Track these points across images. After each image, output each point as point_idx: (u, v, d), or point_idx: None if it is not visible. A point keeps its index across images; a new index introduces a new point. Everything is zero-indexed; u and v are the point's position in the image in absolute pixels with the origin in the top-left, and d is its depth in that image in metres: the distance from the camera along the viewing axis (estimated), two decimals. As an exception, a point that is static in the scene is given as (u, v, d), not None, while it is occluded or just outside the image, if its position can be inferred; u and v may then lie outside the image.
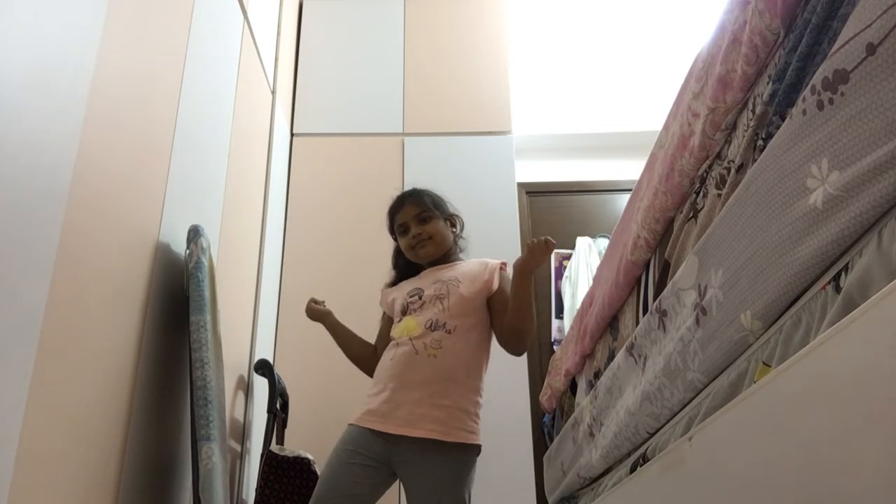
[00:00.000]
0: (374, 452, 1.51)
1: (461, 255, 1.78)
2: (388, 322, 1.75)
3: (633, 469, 1.41)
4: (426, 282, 1.68)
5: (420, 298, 1.64)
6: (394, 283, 1.80)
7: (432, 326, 1.58)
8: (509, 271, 1.68)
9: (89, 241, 1.22)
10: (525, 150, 3.42)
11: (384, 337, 1.73)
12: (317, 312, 1.78)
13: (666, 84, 2.13)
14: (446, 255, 1.74)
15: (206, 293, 1.60)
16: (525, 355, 2.65)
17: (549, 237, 1.54)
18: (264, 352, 2.49)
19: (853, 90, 0.74)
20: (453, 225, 1.78)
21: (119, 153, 1.35)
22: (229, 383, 1.94)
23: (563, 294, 3.19)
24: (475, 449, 1.55)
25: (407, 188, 1.83)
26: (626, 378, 1.50)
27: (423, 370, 1.53)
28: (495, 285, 1.65)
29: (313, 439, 2.37)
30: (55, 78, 1.11)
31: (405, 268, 1.79)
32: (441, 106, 3.13)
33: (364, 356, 1.74)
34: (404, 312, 1.65)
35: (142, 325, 1.43)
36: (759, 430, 0.83)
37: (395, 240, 1.80)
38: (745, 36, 1.09)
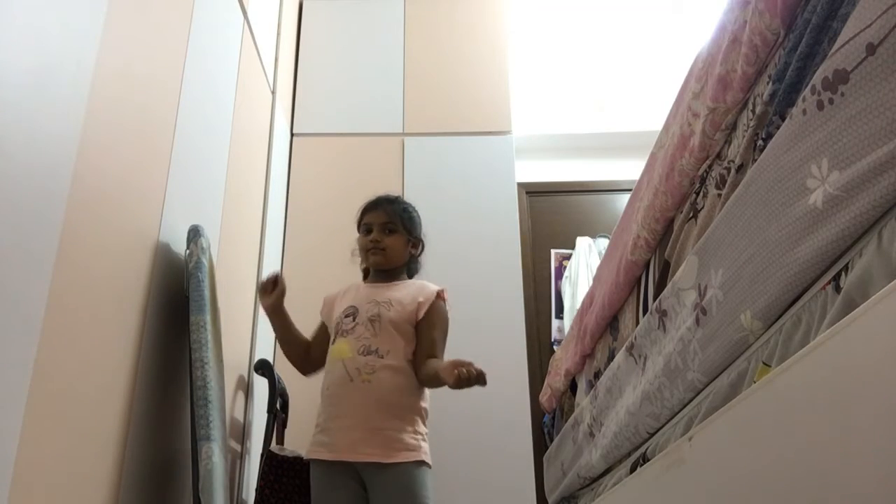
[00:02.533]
0: (339, 481, 1.56)
1: (406, 277, 1.79)
2: (322, 329, 1.77)
3: (633, 469, 1.41)
4: (362, 300, 1.69)
5: (354, 320, 1.65)
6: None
7: (364, 351, 1.59)
8: (449, 297, 1.71)
9: (89, 241, 1.22)
10: (525, 150, 3.41)
11: (316, 340, 1.77)
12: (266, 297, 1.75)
13: (666, 84, 2.13)
14: (393, 272, 1.75)
15: (206, 293, 1.60)
16: (525, 355, 2.66)
17: (481, 374, 1.44)
18: (264, 352, 2.49)
19: (853, 90, 0.74)
20: (414, 247, 1.80)
21: (119, 153, 1.35)
22: (229, 383, 1.94)
23: (563, 294, 3.20)
24: (421, 464, 1.55)
25: (386, 192, 1.86)
26: (626, 378, 1.50)
27: (357, 397, 1.56)
28: (421, 314, 1.65)
29: (313, 439, 2.37)
30: (55, 78, 1.11)
31: (365, 270, 1.83)
32: (441, 106, 3.13)
33: (296, 350, 1.76)
34: (337, 333, 1.67)
35: (142, 325, 1.43)
36: (759, 430, 0.83)
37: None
38: (745, 36, 1.09)
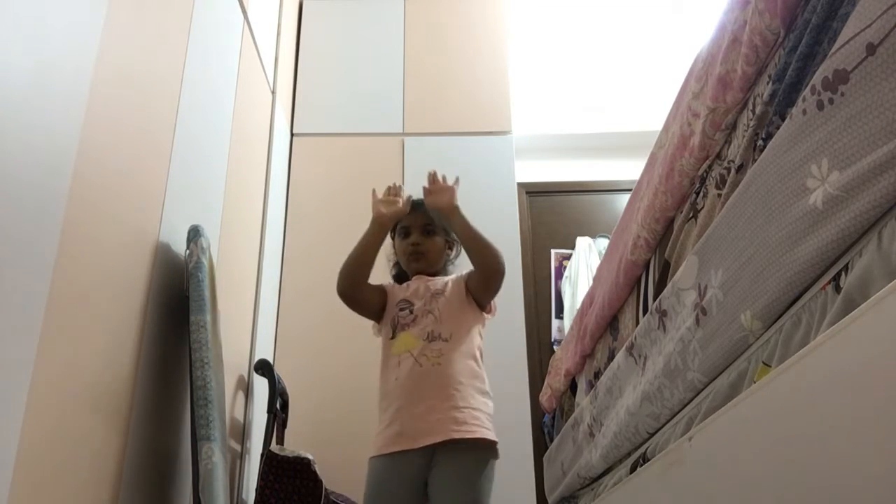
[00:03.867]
0: (407, 474, 1.52)
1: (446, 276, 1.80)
2: (381, 294, 1.74)
3: (633, 469, 1.41)
4: (414, 293, 1.70)
5: (411, 313, 1.66)
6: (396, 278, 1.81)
7: (429, 338, 1.60)
8: None
9: (89, 240, 1.22)
10: (525, 150, 3.41)
11: (375, 292, 1.73)
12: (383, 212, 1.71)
13: (666, 84, 2.13)
14: (434, 273, 1.76)
15: (206, 293, 1.60)
16: (525, 356, 2.66)
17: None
18: (264, 352, 2.49)
19: (853, 90, 0.74)
20: (450, 248, 1.81)
21: (119, 153, 1.35)
22: (229, 383, 1.94)
23: (563, 294, 3.20)
24: (495, 447, 1.56)
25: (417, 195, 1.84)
26: (626, 378, 1.50)
27: (431, 380, 1.55)
28: (463, 280, 1.70)
29: (313, 439, 2.37)
30: (55, 78, 1.11)
31: (398, 271, 1.83)
32: (441, 106, 3.13)
33: (363, 271, 1.70)
34: (395, 327, 1.66)
35: (142, 325, 1.43)
36: (759, 430, 0.83)
37: (392, 238, 1.81)
38: (745, 36, 1.09)
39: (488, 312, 1.73)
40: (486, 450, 1.54)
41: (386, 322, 1.70)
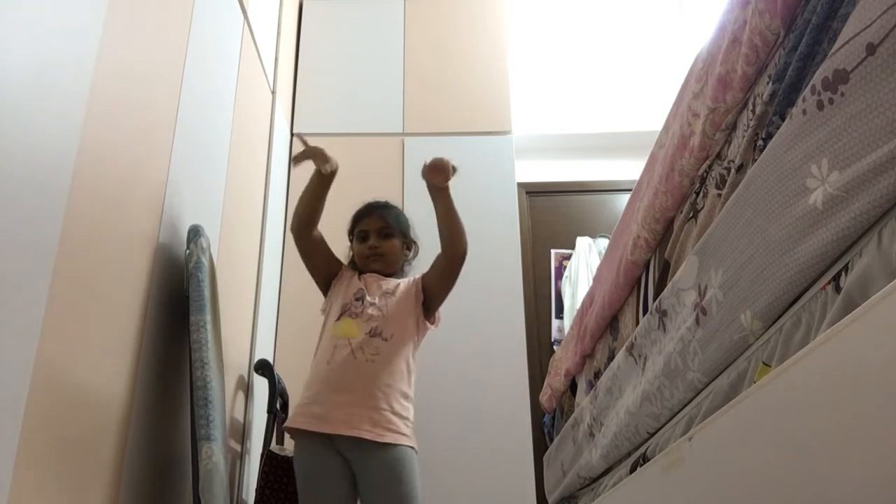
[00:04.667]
0: (329, 449, 1.57)
1: (402, 276, 1.83)
2: (332, 261, 1.80)
3: (633, 469, 1.41)
4: (368, 287, 1.73)
5: (362, 304, 1.69)
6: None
7: (372, 333, 1.64)
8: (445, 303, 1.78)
9: (89, 240, 1.22)
10: (525, 150, 3.41)
11: (325, 249, 1.79)
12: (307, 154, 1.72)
13: (666, 84, 2.13)
14: (390, 274, 1.80)
15: (206, 293, 1.60)
16: (525, 356, 2.66)
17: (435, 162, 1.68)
18: (264, 352, 2.49)
19: (853, 90, 0.74)
20: (408, 248, 1.85)
21: (119, 153, 1.35)
22: (229, 383, 1.94)
23: (563, 294, 3.19)
24: (410, 450, 1.60)
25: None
26: (626, 378, 1.50)
27: (361, 375, 1.59)
28: (419, 283, 1.75)
29: (313, 439, 2.37)
30: (55, 78, 1.11)
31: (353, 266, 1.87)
32: (441, 106, 3.13)
33: (310, 215, 1.75)
34: (344, 311, 1.69)
35: (142, 325, 1.43)
36: (759, 430, 0.83)
37: (351, 242, 1.85)
38: (745, 36, 1.09)
39: (432, 323, 1.77)
40: (401, 452, 1.57)
41: (336, 303, 1.73)
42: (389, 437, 1.55)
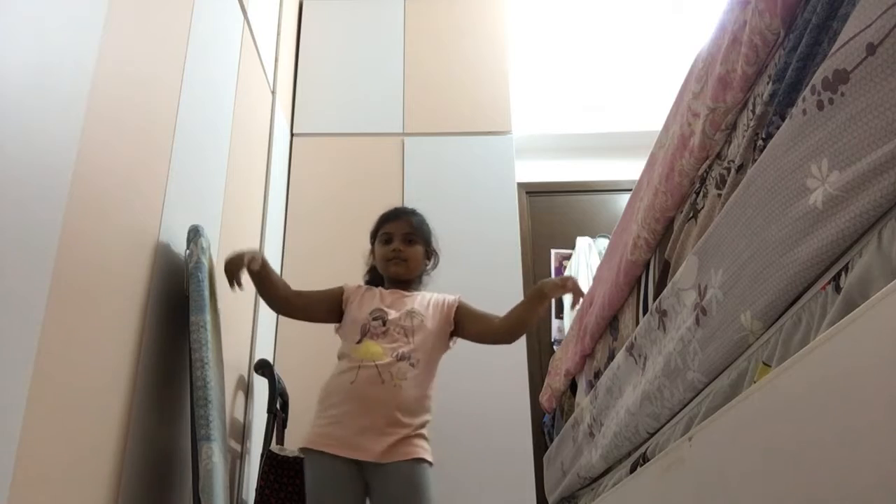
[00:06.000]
0: (346, 478, 1.54)
1: (420, 288, 1.81)
2: (328, 300, 1.74)
3: (633, 469, 1.41)
4: (389, 305, 1.69)
5: (384, 325, 1.65)
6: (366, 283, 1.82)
7: (399, 357, 1.60)
8: (467, 302, 1.76)
9: (89, 241, 1.22)
10: (525, 150, 3.41)
11: (312, 299, 1.75)
12: (236, 263, 1.62)
13: (666, 84, 2.13)
14: (410, 282, 1.77)
15: (206, 293, 1.60)
16: (525, 356, 2.66)
17: (570, 281, 1.65)
18: (264, 352, 2.49)
19: (853, 90, 0.74)
20: (428, 258, 1.82)
21: (119, 153, 1.35)
22: (229, 383, 1.94)
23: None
24: (428, 465, 1.58)
25: (407, 203, 1.85)
26: (626, 378, 1.50)
27: (387, 398, 1.55)
28: (453, 313, 1.71)
29: (313, 439, 2.37)
30: (55, 78, 1.11)
31: (372, 276, 1.84)
32: (441, 106, 3.13)
33: (275, 299, 1.74)
34: (364, 333, 1.65)
35: (142, 325, 1.43)
36: (759, 430, 0.83)
37: (372, 244, 1.82)
38: (745, 36, 1.09)
39: (453, 343, 1.76)
40: (421, 466, 1.55)
41: (354, 326, 1.67)
42: (414, 453, 1.53)
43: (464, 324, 1.71)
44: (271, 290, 1.73)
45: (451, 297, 1.75)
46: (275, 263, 2.73)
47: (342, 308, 1.73)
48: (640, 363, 1.41)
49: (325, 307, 1.74)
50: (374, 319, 1.66)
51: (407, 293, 1.73)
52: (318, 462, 1.57)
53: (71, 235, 1.13)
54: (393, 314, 1.66)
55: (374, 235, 1.82)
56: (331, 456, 1.54)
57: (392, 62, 3.21)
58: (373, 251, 1.82)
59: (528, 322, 1.68)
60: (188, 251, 1.66)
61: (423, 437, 1.58)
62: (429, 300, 1.73)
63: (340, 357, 1.67)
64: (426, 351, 1.64)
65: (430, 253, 1.82)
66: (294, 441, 2.19)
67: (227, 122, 2.09)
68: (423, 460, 1.54)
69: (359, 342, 1.64)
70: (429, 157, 3.02)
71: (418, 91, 3.15)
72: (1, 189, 0.95)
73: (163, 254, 1.55)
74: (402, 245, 1.75)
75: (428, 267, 1.83)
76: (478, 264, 2.73)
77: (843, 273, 0.77)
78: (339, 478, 1.55)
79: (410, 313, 1.67)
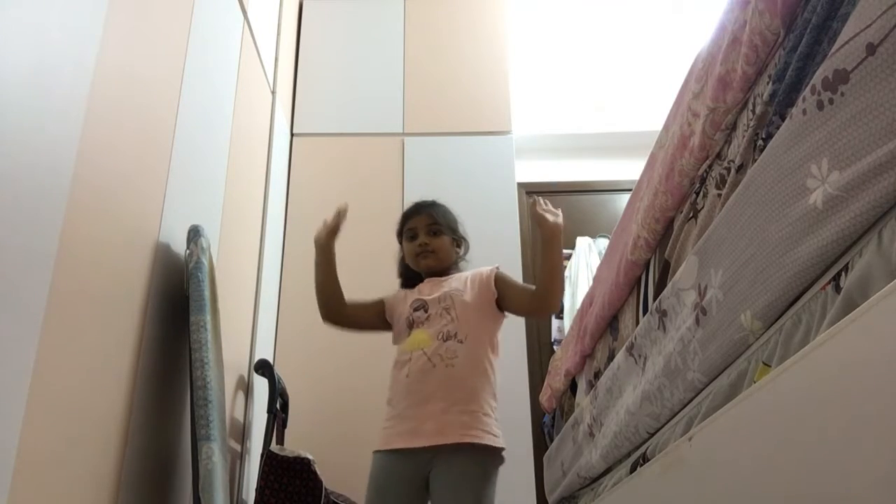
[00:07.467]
0: (409, 472, 1.52)
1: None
2: (374, 308, 1.76)
3: (633, 469, 1.41)
4: (428, 293, 1.69)
5: (426, 311, 1.65)
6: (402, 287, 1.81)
7: (444, 337, 1.59)
8: (504, 271, 1.73)
9: (89, 241, 1.22)
10: (525, 150, 3.41)
11: (362, 307, 1.76)
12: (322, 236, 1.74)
13: (666, 84, 2.13)
14: (445, 270, 1.76)
15: (206, 293, 1.60)
16: (525, 356, 2.66)
17: (536, 200, 1.63)
18: (264, 352, 2.49)
19: (853, 90, 0.73)
20: (458, 245, 1.80)
21: (119, 153, 1.35)
22: (229, 383, 1.94)
23: (563, 294, 3.19)
24: (500, 453, 1.56)
25: (426, 198, 1.83)
26: (626, 378, 1.50)
27: (442, 381, 1.54)
28: (492, 283, 1.68)
29: (313, 439, 2.37)
30: (55, 78, 1.11)
31: (407, 276, 1.82)
32: (441, 106, 3.13)
33: (332, 294, 1.73)
34: (411, 326, 1.65)
35: (142, 325, 1.43)
36: (759, 430, 0.83)
37: (401, 243, 1.81)
38: (745, 36, 1.09)
39: (504, 316, 1.71)
40: (491, 455, 1.54)
41: (401, 322, 1.69)
42: (485, 438, 1.51)
43: (504, 292, 1.67)
44: (333, 284, 1.73)
45: (487, 269, 1.73)
46: (275, 263, 2.73)
47: (383, 314, 1.74)
48: (640, 363, 1.41)
49: (371, 312, 1.75)
50: (416, 310, 1.66)
51: (444, 278, 1.73)
52: (378, 461, 1.57)
53: (71, 235, 1.13)
54: (433, 299, 1.66)
55: (399, 235, 1.81)
56: (390, 452, 1.54)
57: (392, 62, 3.21)
58: (402, 251, 1.81)
59: (552, 268, 1.59)
60: (188, 251, 1.66)
61: (486, 420, 1.54)
62: (466, 277, 1.72)
63: (397, 354, 1.67)
64: (471, 325, 1.61)
65: (458, 241, 1.80)
66: (294, 441, 2.19)
67: (227, 122, 2.09)
68: (484, 446, 1.51)
69: (407, 335, 1.65)
70: (429, 157, 3.02)
71: (418, 91, 3.15)
72: (1, 189, 0.95)
73: (163, 254, 1.55)
74: (427, 238, 1.73)
75: (461, 254, 1.81)
76: (478, 264, 2.70)
77: (843, 273, 0.77)
78: (395, 469, 1.53)
79: (448, 293, 1.66)
